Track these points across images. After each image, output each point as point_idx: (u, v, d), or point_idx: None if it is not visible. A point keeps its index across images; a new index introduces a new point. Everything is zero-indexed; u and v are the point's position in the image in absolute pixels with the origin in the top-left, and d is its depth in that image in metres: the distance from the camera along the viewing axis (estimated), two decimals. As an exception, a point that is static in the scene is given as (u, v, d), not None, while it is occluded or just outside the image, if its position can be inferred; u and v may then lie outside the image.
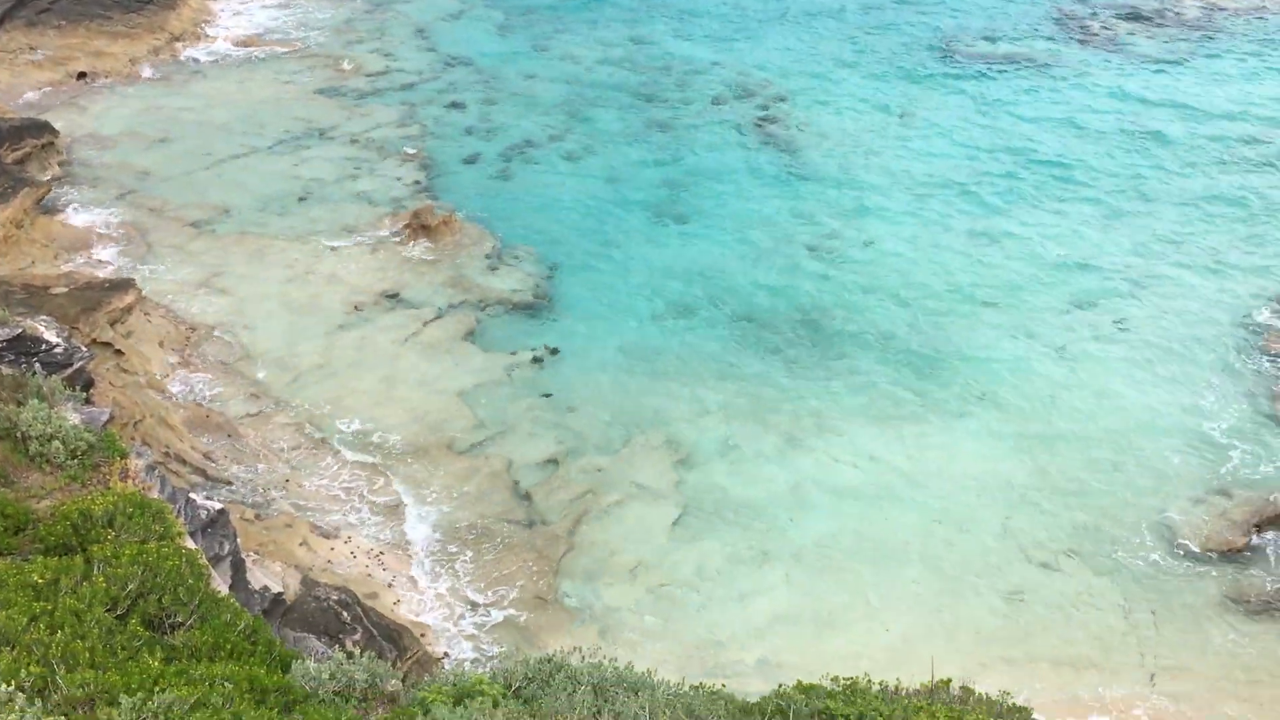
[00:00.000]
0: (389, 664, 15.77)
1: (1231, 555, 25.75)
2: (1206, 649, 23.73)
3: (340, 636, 20.27)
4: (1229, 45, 55.65)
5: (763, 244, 39.31)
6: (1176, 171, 43.24)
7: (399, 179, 44.45)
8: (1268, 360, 32.11)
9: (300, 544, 25.19)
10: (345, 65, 55.91)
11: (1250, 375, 31.55)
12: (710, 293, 36.50)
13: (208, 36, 60.19)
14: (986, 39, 58.02)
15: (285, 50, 58.91)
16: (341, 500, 27.69)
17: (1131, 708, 22.40)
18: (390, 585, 24.95)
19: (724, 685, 13.97)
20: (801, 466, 29.02)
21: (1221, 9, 60.78)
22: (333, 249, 39.11)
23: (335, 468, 28.84)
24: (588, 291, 36.87)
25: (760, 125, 48.68)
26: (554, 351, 33.61)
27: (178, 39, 58.40)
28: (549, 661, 13.10)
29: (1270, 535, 26.23)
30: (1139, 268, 36.92)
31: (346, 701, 12.36)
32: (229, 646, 12.40)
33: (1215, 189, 41.77)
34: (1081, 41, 57.12)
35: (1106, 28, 59.02)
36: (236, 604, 14.64)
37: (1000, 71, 53.59)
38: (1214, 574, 25.40)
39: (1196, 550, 25.98)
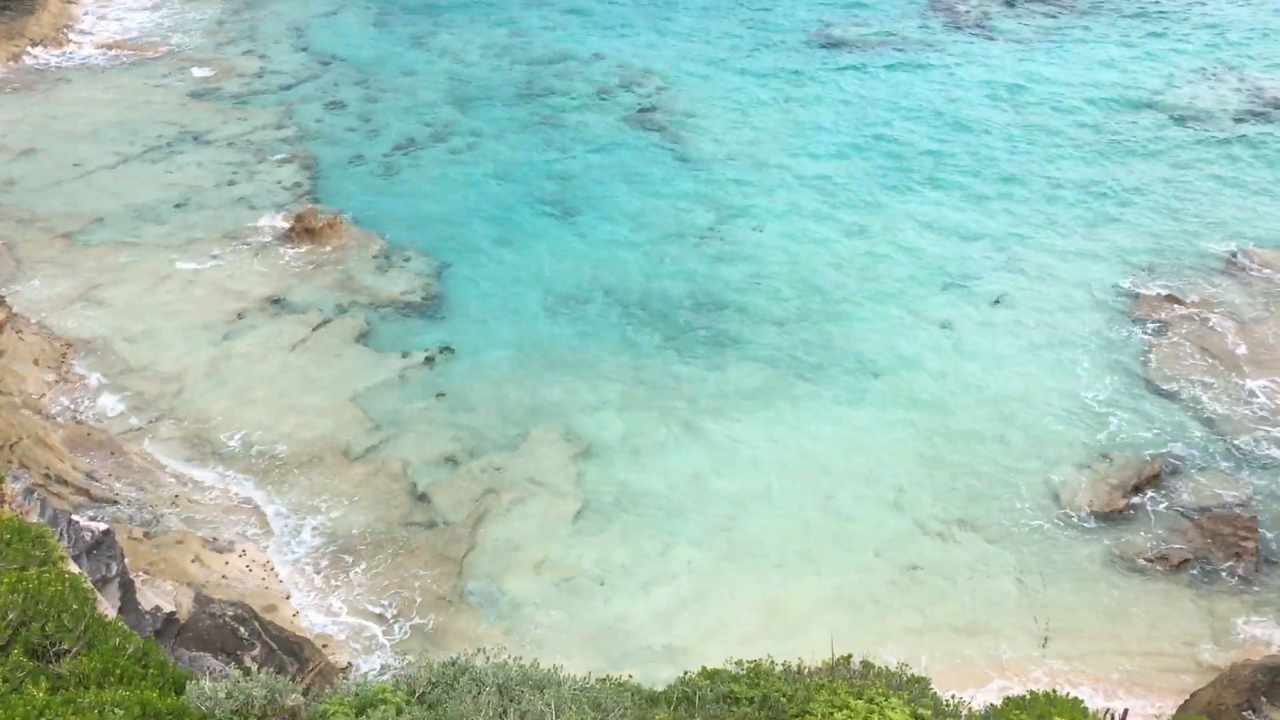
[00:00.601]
0: (289, 678, 15.46)
1: (1113, 516, 26.77)
2: (1095, 608, 24.62)
3: (238, 653, 19.81)
4: (1094, 27, 57.62)
5: (653, 234, 39.48)
6: (1043, 151, 44.66)
7: (280, 182, 43.49)
8: (1136, 328, 33.42)
9: (193, 560, 24.52)
10: (196, 71, 54.29)
11: (1121, 343, 32.80)
12: (603, 284, 36.53)
13: (71, 41, 58.04)
14: (861, 26, 59.12)
15: (155, 54, 57.11)
16: (234, 513, 27.02)
17: (1028, 670, 23.14)
18: (289, 597, 24.46)
19: (630, 676, 14.05)
20: (699, 453, 29.26)
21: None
22: (214, 256, 38.09)
23: (226, 480, 28.13)
24: (480, 288, 36.59)
25: (645, 116, 48.84)
26: (448, 350, 33.29)
27: (39, 44, 56.17)
28: (453, 664, 13.01)
29: (1149, 495, 27.34)
30: (1012, 245, 38.06)
31: (245, 719, 12.10)
32: (119, 671, 12.04)
33: (1079, 167, 43.27)
34: (952, 26, 58.56)
35: (976, 11, 60.59)
36: (126, 627, 14.21)
37: (875, 57, 54.66)
38: (1098, 535, 26.38)
39: (1081, 513, 26.94)
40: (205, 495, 27.46)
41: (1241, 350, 31.99)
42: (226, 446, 29.30)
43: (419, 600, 24.87)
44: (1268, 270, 35.61)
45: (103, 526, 18.38)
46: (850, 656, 12.57)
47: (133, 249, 38.43)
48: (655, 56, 55.65)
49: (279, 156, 45.51)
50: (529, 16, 62.35)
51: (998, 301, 34.95)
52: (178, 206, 41.34)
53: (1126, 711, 16.91)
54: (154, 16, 62.91)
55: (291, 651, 21.21)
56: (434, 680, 12.79)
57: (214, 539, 25.76)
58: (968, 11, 60.25)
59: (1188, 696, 21.99)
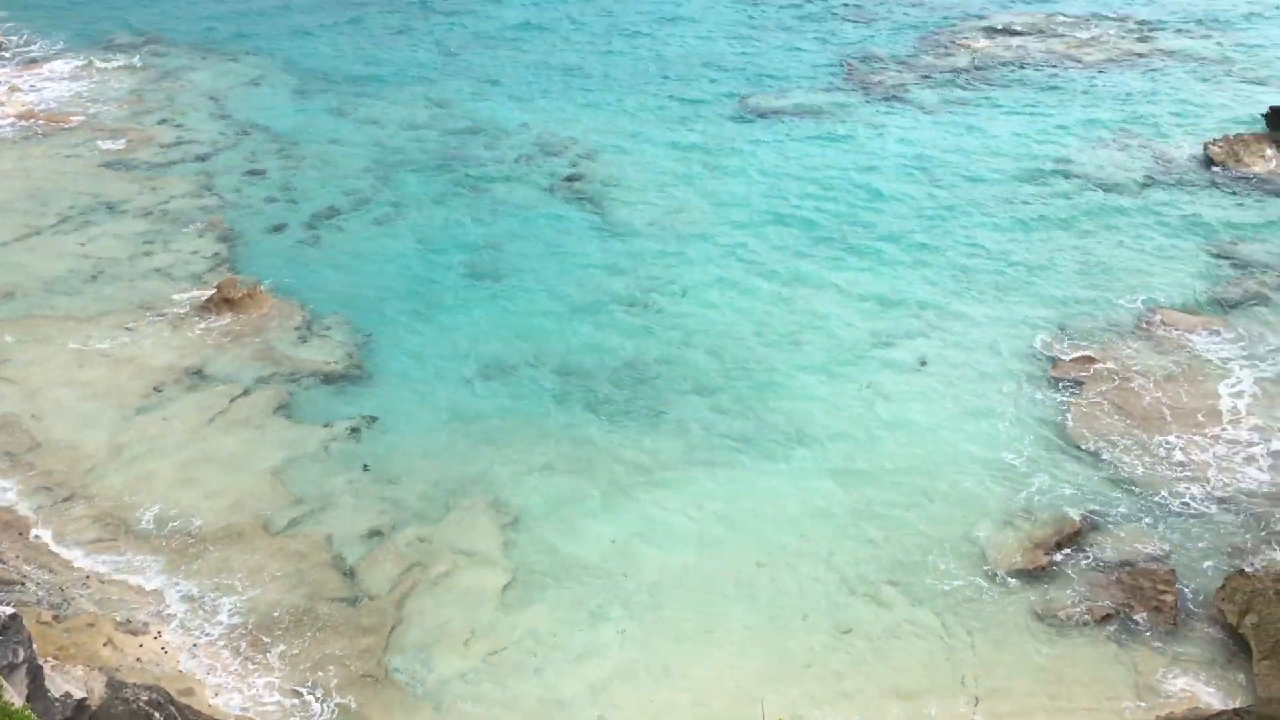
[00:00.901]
0: (208, 764, 14.93)
1: (1037, 573, 27.14)
2: (1021, 665, 24.84)
3: (153, 739, 19.05)
4: (1005, 98, 59.61)
5: (578, 300, 39.59)
6: (957, 219, 45.81)
7: (197, 252, 42.89)
8: (1054, 388, 34.21)
9: (105, 644, 23.63)
10: (111, 141, 53.55)
11: (1039, 404, 33.52)
12: (529, 352, 36.46)
13: (-19, 110, 56.97)
14: (779, 97, 60.46)
15: (69, 124, 56.28)
16: (148, 593, 26.16)
17: (958, 730, 23.21)
18: (204, 679, 23.65)
19: (563, 751, 13.81)
20: (629, 519, 29.13)
21: (988, 64, 65.18)
22: (128, 328, 37.29)
23: (140, 559, 27.26)
24: (404, 357, 36.27)
25: (568, 185, 49.21)
26: (372, 421, 32.86)
27: (-54, 114, 55.07)
28: (379, 745, 12.64)
29: (1070, 551, 27.79)
30: (931, 311, 38.79)
31: (161, 811, 11.61)
32: (25, 764, 11.52)
33: (992, 234, 44.44)
34: (867, 97, 60.17)
35: (891, 82, 62.40)
36: (33, 716, 13.63)
37: (794, 128, 55.84)
38: (1022, 592, 26.69)
39: (1005, 571, 27.27)
40: (118, 575, 26.55)
41: (1156, 408, 32.90)
42: (141, 524, 28.45)
43: (342, 679, 24.23)
44: (1177, 330, 36.78)
45: (9, 610, 17.66)
46: (784, 724, 12.49)
47: (44, 322, 37.50)
48: (579, 126, 56.26)
49: (196, 226, 44.91)
50: (452, 85, 62.71)
51: (923, 364, 35.55)
52: (92, 279, 40.52)
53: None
54: (71, 87, 62.08)
55: (209, 736, 20.45)
56: (360, 763, 12.40)
57: (127, 621, 24.87)
58: (881, 83, 62.01)
59: (1116, 752, 22.22)
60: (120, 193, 47.86)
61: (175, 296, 39.33)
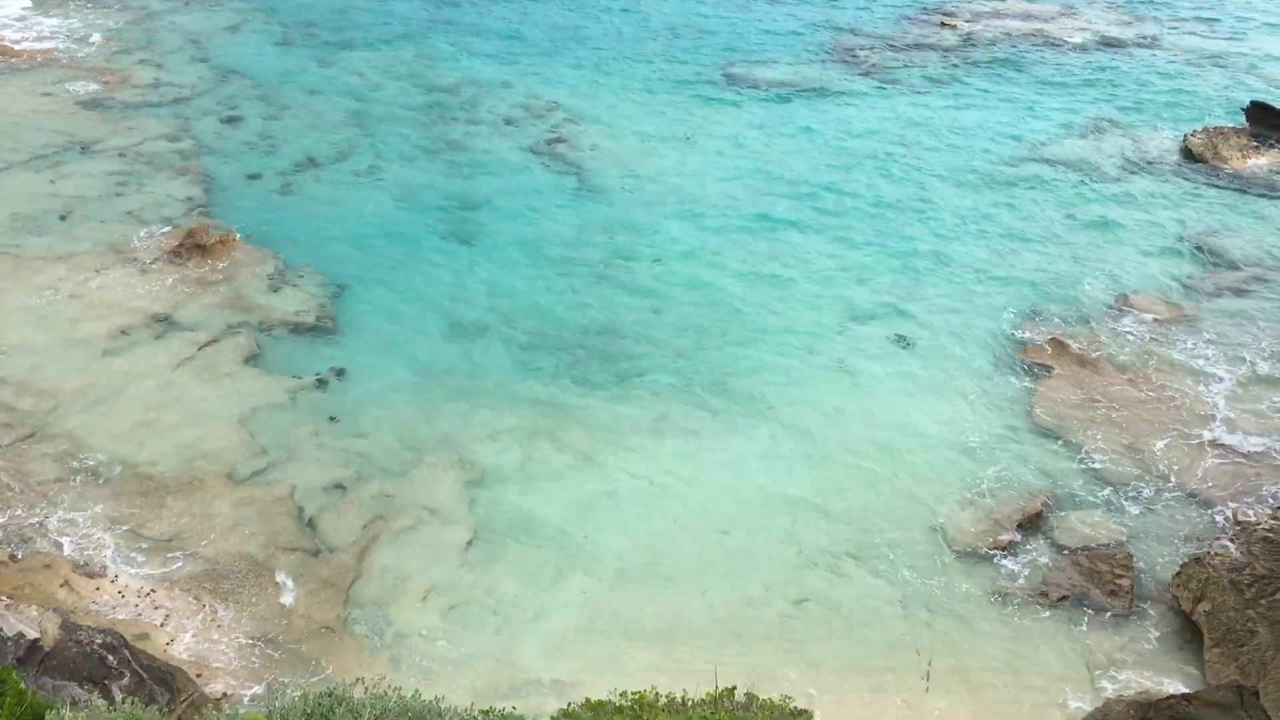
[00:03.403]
0: (159, 709, 14.86)
1: (996, 553, 27.36)
2: (976, 644, 25.07)
3: (106, 682, 18.95)
4: (987, 81, 59.58)
5: (554, 263, 39.41)
6: (936, 195, 45.89)
7: (171, 195, 42.35)
8: (1022, 370, 34.40)
9: (61, 585, 23.48)
10: (88, 80, 52.73)
11: (1007, 385, 33.71)
12: (502, 312, 36.29)
13: (-47, 44, 55.89)
14: (765, 67, 60.18)
15: (45, 60, 55.30)
16: (108, 536, 25.96)
17: (911, 705, 23.42)
18: (162, 625, 23.54)
19: (514, 708, 13.83)
20: (594, 483, 29.13)
21: (973, 45, 65.07)
22: (98, 270, 36.82)
23: (101, 501, 27.03)
24: (376, 312, 36.02)
25: (550, 147, 48.88)
26: (340, 374, 32.66)
27: (-82, 44, 54.00)
28: (329, 696, 12.64)
29: (1030, 533, 28.03)
30: (907, 285, 38.93)
31: (107, 751, 11.57)
32: (-30, 700, 11.42)
33: (970, 213, 44.55)
34: (852, 71, 59.98)
35: (875, 59, 62.21)
36: (-18, 653, 13.52)
37: (777, 98, 55.65)
38: (981, 571, 26.92)
39: (964, 550, 27.48)
40: (78, 516, 26.33)
41: (1122, 394, 33.14)
42: (102, 466, 28.20)
43: (302, 628, 24.17)
44: (1147, 315, 37.03)
45: (-38, 547, 17.47)
46: (734, 689, 12.56)
47: (12, 260, 36.97)
48: (563, 88, 55.82)
49: (171, 170, 44.32)
50: (437, 41, 62.04)
51: (893, 340, 35.65)
52: (62, 218, 39.95)
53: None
54: (48, 23, 61.00)
55: (163, 681, 20.37)
56: (309, 712, 12.40)
57: (85, 563, 24.71)
58: (866, 59, 61.82)
59: (1063, 731, 22.51)
60: (95, 133, 47.15)
61: (146, 240, 38.84)
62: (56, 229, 39.17)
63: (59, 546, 25.22)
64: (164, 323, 34.38)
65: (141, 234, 39.21)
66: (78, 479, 27.71)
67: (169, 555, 25.62)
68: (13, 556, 24.22)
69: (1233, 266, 40.57)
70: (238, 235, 39.28)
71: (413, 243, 40.39)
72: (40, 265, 36.78)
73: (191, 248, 37.94)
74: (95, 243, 38.48)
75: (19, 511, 26.21)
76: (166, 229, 39.52)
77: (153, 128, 48.17)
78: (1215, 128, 51.22)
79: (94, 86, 52.23)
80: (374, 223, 41.70)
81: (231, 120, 49.61)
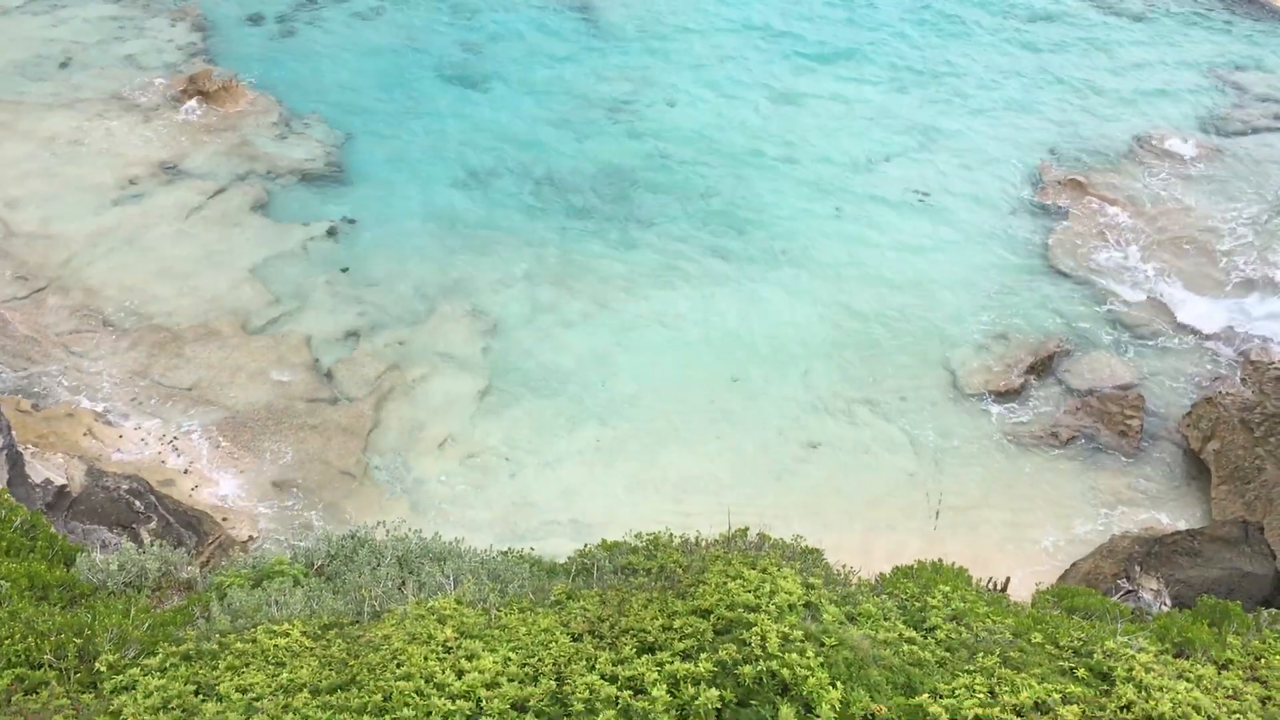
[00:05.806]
0: (187, 551, 15.25)
1: (1008, 395, 27.52)
2: (986, 483, 25.47)
3: (134, 526, 19.50)
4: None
5: (565, 107, 38.59)
6: (955, 37, 44.42)
7: (171, 41, 41.31)
8: (1040, 211, 33.93)
9: (85, 433, 23.91)
10: None
11: (1024, 227, 33.31)
12: (513, 158, 35.74)
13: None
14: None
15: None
16: (129, 385, 26.29)
17: (920, 542, 23.93)
18: (187, 471, 24.05)
19: (532, 549, 14.16)
20: (608, 330, 29.20)
21: None
22: (102, 116, 36.24)
23: (120, 351, 27.26)
24: (385, 159, 35.52)
25: (558, -17, 47.21)
26: (351, 222, 32.44)
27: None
28: (352, 538, 12.95)
29: (1041, 375, 28.13)
30: (924, 129, 38.07)
31: (139, 592, 11.93)
32: (4, 544, 11.75)
33: (989, 52, 43.21)
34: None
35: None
36: (12, 500, 13.83)
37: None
38: (993, 413, 27.13)
39: (978, 393, 27.64)
40: (97, 366, 26.62)
41: (1140, 234, 32.74)
42: (118, 317, 28.35)
43: (322, 475, 24.67)
44: (1169, 158, 36.27)
45: (-15, 398, 17.72)
46: (747, 529, 12.80)
47: (13, 108, 36.38)
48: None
49: (168, 13, 43.13)
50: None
51: (919, 184, 35.08)
52: (62, 65, 39.11)
53: (1009, 580, 17.63)
54: None
55: (190, 525, 20.95)
56: (333, 553, 12.73)
57: (106, 412, 25.10)
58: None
59: (1068, 566, 23.04)
60: (89, -26, 45.68)
61: (148, 86, 38.08)
62: (57, 76, 38.39)
63: (79, 396, 25.56)
64: (172, 170, 34.02)
65: (143, 80, 38.42)
66: (95, 330, 27.89)
67: (190, 404, 25.98)
68: (35, 406, 24.60)
69: (1258, 101, 39.48)
70: (242, 81, 38.43)
71: (420, 87, 39.51)
72: (41, 114, 36.19)
73: (195, 94, 37.20)
74: (97, 90, 37.75)
75: (38, 362, 26.48)
76: (168, 75, 38.68)
77: (148, -31, 46.63)
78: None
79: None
80: (379, 67, 40.71)
81: (229, -40, 47.97)
